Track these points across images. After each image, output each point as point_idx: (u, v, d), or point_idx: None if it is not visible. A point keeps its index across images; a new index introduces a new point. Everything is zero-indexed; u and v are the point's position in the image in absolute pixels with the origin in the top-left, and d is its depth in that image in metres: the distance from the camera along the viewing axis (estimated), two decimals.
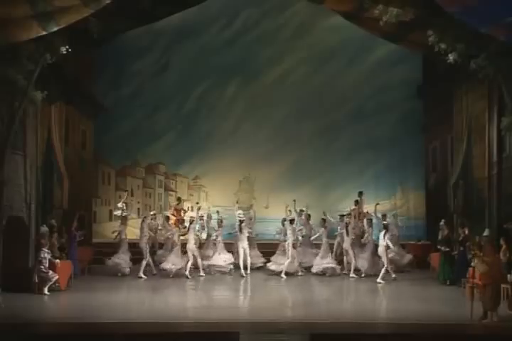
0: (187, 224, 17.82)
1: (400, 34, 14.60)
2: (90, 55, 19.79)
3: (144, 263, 17.10)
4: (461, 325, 11.86)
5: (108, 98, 21.63)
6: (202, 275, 17.18)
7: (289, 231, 16.99)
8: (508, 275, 12.59)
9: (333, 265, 17.21)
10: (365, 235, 17.27)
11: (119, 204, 18.62)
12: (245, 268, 17.26)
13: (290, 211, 18.29)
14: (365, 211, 18.67)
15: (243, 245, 17.34)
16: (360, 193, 19.25)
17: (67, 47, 14.21)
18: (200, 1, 16.77)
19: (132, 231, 19.04)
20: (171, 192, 22.63)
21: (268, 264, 17.65)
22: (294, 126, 21.88)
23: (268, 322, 11.72)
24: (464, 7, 11.70)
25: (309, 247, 18.16)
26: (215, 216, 18.77)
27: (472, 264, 12.91)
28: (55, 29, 12.74)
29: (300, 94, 21.90)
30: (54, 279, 14.49)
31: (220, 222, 18.06)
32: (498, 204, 15.87)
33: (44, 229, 15.51)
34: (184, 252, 17.12)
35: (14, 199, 14.65)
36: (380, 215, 17.80)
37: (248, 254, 17.46)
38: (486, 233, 14.23)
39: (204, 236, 18.25)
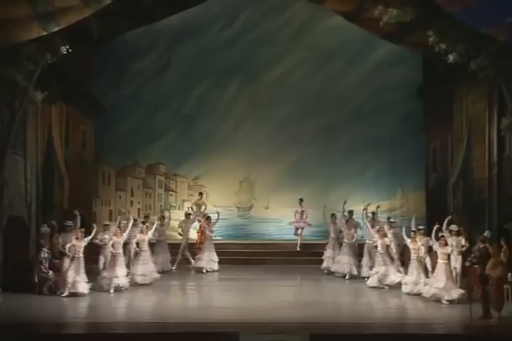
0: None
1: (400, 34, 14.62)
2: (90, 55, 19.77)
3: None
4: (461, 325, 11.89)
5: (108, 98, 21.60)
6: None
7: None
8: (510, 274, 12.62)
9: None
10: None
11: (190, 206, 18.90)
12: None
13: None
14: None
15: None
16: (301, 200, 19.31)
17: (67, 47, 14.23)
18: (200, 2, 16.78)
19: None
20: (171, 193, 22.64)
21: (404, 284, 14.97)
22: (294, 126, 21.85)
23: (268, 322, 11.72)
24: (464, 7, 11.72)
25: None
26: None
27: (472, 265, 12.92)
28: (56, 29, 12.76)
29: (300, 94, 21.88)
30: (54, 279, 14.49)
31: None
32: (498, 204, 15.87)
33: (44, 229, 15.50)
34: None
35: (14, 199, 14.66)
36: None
37: None
38: (486, 234, 14.18)
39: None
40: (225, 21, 21.80)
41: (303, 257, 18.76)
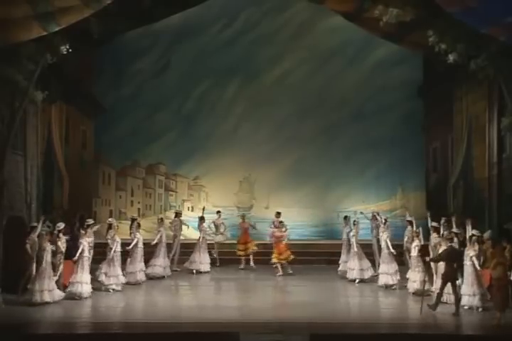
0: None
1: (400, 34, 14.62)
2: (90, 55, 19.79)
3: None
4: (461, 325, 11.90)
5: (108, 98, 21.63)
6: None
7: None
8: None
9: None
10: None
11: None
12: None
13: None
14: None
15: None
16: (278, 213, 18.34)
17: (67, 47, 14.24)
18: (200, 2, 16.79)
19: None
20: (171, 193, 22.65)
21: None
22: (294, 126, 21.85)
23: (268, 322, 11.72)
24: (464, 7, 11.73)
25: None
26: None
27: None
28: (56, 29, 12.77)
29: (301, 94, 21.88)
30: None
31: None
32: (498, 204, 15.89)
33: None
34: None
35: (14, 199, 14.67)
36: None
37: None
38: (486, 234, 14.18)
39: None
40: (225, 21, 21.81)
41: (303, 257, 18.72)
